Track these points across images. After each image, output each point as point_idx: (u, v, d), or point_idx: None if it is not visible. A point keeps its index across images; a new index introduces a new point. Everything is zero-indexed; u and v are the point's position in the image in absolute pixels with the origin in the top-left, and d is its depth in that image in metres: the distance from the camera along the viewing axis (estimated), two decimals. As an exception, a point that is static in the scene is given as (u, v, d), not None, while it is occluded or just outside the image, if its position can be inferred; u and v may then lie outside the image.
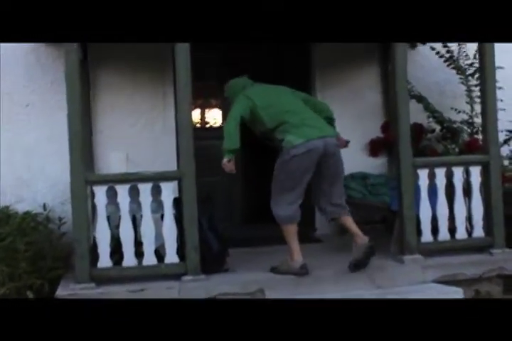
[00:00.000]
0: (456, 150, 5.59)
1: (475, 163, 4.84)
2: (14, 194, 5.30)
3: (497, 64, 4.87)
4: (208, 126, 7.18)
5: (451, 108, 5.81)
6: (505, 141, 5.58)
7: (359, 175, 5.76)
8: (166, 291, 4.24)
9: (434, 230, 4.74)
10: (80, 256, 4.26)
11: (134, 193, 4.41)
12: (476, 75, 5.47)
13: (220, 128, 6.86)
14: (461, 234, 4.79)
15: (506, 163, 5.52)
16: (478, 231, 4.82)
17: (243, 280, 4.39)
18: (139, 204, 4.45)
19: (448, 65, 5.84)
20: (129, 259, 4.37)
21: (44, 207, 5.12)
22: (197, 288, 4.28)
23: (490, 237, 4.79)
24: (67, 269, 4.71)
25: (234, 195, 6.95)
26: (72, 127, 4.28)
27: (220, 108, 7.07)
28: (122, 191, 4.37)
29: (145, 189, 4.40)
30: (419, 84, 5.82)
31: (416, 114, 5.30)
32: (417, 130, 5.64)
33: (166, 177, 4.46)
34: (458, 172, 4.80)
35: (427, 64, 6.06)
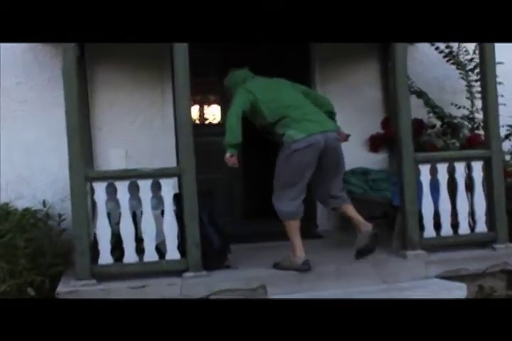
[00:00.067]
0: (457, 145, 5.57)
1: (477, 158, 4.84)
2: (14, 190, 5.28)
3: (497, 59, 4.86)
4: (206, 122, 7.15)
5: (452, 103, 5.80)
6: (507, 136, 5.57)
7: (360, 171, 5.74)
8: (167, 288, 4.23)
9: (437, 225, 4.72)
10: (81, 253, 4.25)
11: (134, 189, 4.40)
12: (476, 70, 5.45)
13: (219, 124, 6.84)
14: (463, 229, 4.78)
15: (508, 157, 5.50)
16: (481, 227, 4.80)
17: (245, 277, 4.37)
18: (139, 201, 4.43)
19: (447, 61, 5.82)
20: (129, 256, 4.36)
21: (44, 203, 5.10)
22: (198, 284, 4.26)
23: (493, 232, 4.78)
24: (67, 266, 4.70)
25: (235, 190, 6.93)
26: (70, 123, 4.28)
27: (219, 104, 7.04)
28: (122, 187, 4.36)
29: (145, 185, 4.38)
30: (419, 80, 5.80)
31: (416, 109, 5.27)
32: (417, 125, 5.60)
33: (166, 173, 4.45)
34: (460, 168, 4.79)
35: (426, 59, 6.04)
